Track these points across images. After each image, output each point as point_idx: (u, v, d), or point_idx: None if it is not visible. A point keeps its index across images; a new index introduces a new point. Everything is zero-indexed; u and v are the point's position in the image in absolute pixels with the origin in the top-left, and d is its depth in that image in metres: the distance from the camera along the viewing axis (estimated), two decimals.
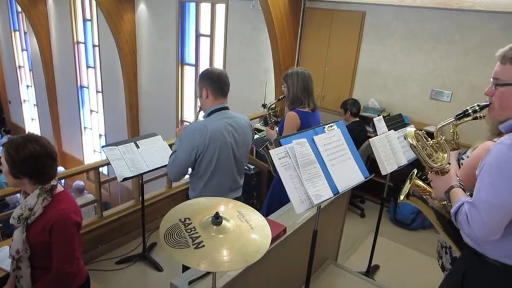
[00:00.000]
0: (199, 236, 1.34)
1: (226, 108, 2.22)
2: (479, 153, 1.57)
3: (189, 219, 1.42)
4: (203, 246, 1.31)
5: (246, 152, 2.36)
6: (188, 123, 2.53)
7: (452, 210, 1.39)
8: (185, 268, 2.20)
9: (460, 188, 1.47)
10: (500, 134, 1.44)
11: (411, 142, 1.55)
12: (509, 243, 1.33)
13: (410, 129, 1.60)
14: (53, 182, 1.69)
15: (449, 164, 1.56)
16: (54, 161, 1.69)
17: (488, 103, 1.42)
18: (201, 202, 1.59)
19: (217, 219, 1.38)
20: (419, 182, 1.77)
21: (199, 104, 2.29)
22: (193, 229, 1.37)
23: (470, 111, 1.48)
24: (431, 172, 1.58)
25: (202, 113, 2.31)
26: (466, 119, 1.55)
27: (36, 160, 1.61)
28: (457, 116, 1.52)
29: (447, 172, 1.54)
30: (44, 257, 1.67)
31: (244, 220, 1.45)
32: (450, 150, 1.93)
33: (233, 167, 2.26)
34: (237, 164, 2.28)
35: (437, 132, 1.60)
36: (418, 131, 1.62)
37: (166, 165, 2.48)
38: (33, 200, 1.65)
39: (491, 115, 1.43)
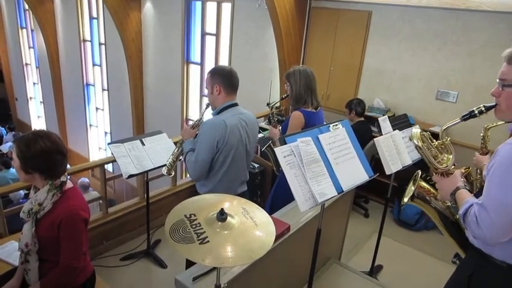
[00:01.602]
0: (204, 232, 1.35)
1: (237, 104, 2.25)
2: None
3: (195, 215, 1.43)
4: (208, 241, 1.32)
5: (255, 147, 2.41)
6: (191, 122, 2.55)
7: (460, 212, 1.38)
8: (188, 265, 2.21)
9: (466, 189, 1.47)
10: None
11: (416, 143, 1.55)
12: None
13: (416, 131, 1.60)
14: (63, 178, 1.72)
15: (454, 165, 1.56)
16: (64, 157, 1.71)
17: (494, 104, 1.41)
18: (206, 198, 1.60)
19: (222, 216, 1.39)
20: (424, 184, 1.77)
21: (206, 101, 2.31)
22: (198, 225, 1.39)
23: (476, 112, 1.47)
24: (436, 174, 1.57)
25: (208, 110, 2.33)
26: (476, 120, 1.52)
27: (47, 156, 1.64)
28: (463, 117, 1.51)
29: (452, 174, 1.54)
30: (52, 251, 1.70)
31: (248, 217, 1.46)
32: (480, 154, 1.93)
33: (244, 161, 2.29)
34: (247, 158, 2.33)
35: (443, 133, 1.60)
36: (424, 133, 1.62)
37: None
38: (43, 195, 1.67)
39: (498, 116, 1.42)
